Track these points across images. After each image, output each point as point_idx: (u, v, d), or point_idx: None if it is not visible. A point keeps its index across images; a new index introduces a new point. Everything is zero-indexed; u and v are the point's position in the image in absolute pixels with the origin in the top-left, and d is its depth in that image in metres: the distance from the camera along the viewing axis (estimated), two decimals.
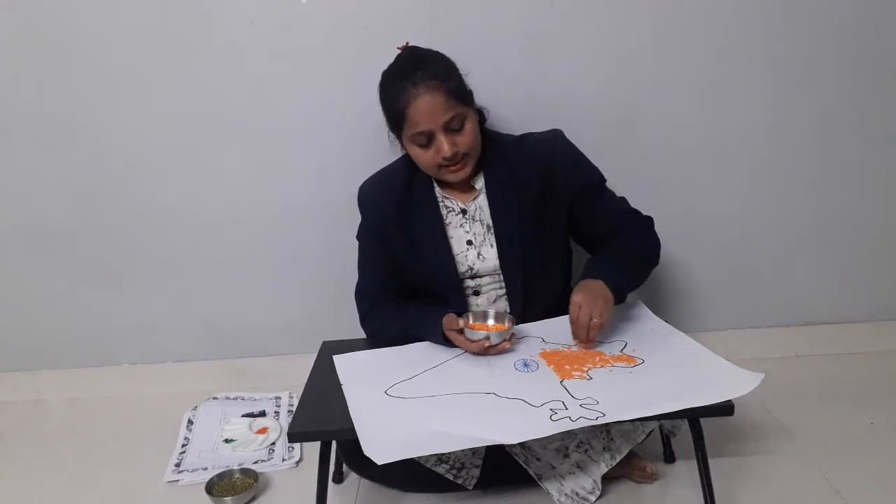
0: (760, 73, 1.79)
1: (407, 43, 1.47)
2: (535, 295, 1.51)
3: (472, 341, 1.36)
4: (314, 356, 1.48)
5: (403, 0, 1.71)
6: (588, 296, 1.36)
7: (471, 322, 1.43)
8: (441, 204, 1.52)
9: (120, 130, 1.82)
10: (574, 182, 1.49)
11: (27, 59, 1.76)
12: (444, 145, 1.38)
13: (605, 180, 1.55)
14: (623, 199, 1.57)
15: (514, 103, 1.74)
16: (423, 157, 1.42)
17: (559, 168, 1.48)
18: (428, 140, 1.39)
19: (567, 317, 1.48)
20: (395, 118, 1.41)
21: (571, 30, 1.74)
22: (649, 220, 1.57)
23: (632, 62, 1.77)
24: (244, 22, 1.73)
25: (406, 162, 1.52)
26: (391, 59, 1.46)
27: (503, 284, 1.52)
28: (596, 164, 1.54)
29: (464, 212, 1.51)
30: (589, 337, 1.36)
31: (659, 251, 1.57)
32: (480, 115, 1.49)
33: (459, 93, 1.40)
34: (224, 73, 1.77)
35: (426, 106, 1.36)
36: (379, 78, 1.46)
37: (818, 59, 1.79)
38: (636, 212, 1.57)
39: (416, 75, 1.37)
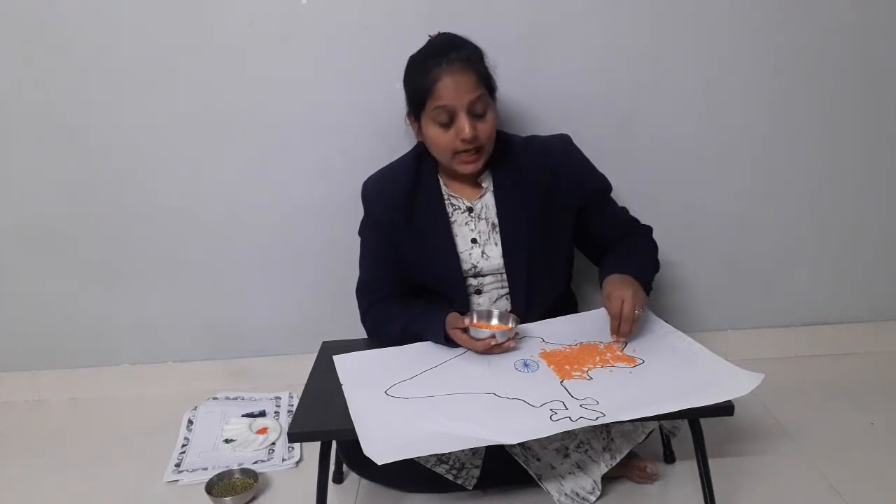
0: (761, 72, 1.79)
1: (439, 32, 1.49)
2: (537, 295, 1.51)
3: (478, 340, 1.36)
4: (314, 356, 1.47)
5: (403, 0, 1.71)
6: (628, 289, 1.36)
7: (475, 320, 1.43)
8: (447, 201, 1.52)
9: (120, 130, 1.82)
10: (584, 187, 1.51)
11: (27, 59, 1.76)
12: (466, 126, 1.37)
13: (611, 187, 1.57)
14: (624, 209, 1.60)
15: (514, 103, 1.75)
16: (442, 139, 1.41)
17: (569, 173, 1.49)
18: (449, 119, 1.39)
19: (568, 317, 1.52)
20: (420, 94, 1.40)
21: (572, 30, 1.74)
22: (649, 229, 1.60)
23: (632, 62, 1.77)
24: (244, 22, 1.73)
25: (414, 157, 1.52)
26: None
27: (505, 284, 1.52)
28: (596, 164, 1.55)
29: (470, 210, 1.51)
30: (631, 330, 1.36)
31: (657, 257, 1.59)
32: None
33: (487, 80, 1.42)
34: (224, 73, 1.77)
35: (455, 81, 1.37)
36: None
37: (819, 59, 1.79)
38: (637, 220, 1.60)
39: (450, 54, 1.38)
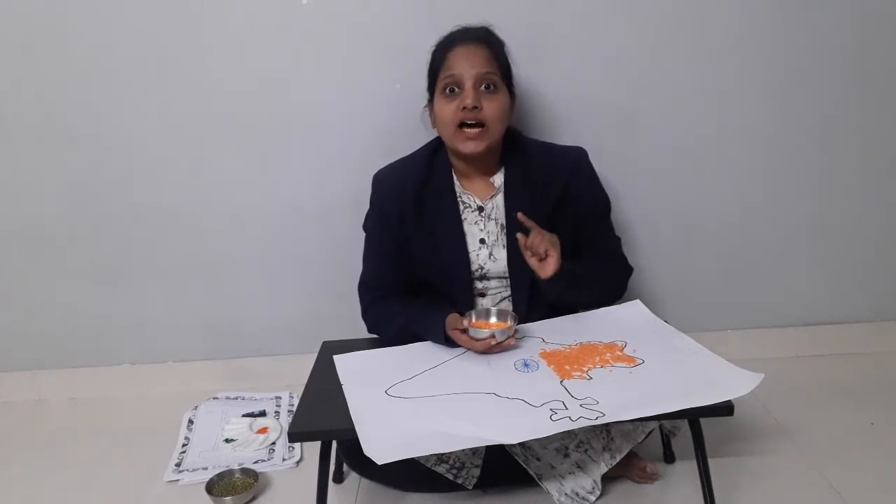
0: (760, 73, 1.79)
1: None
2: (539, 300, 1.51)
3: (478, 340, 1.36)
4: (314, 356, 1.47)
5: (403, 0, 1.71)
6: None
7: (474, 320, 1.43)
8: (459, 199, 1.51)
9: (120, 130, 1.82)
10: (585, 202, 1.51)
11: (28, 59, 1.76)
12: (470, 94, 1.38)
13: (610, 211, 1.57)
14: (618, 240, 1.59)
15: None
16: (446, 111, 1.41)
17: (577, 184, 1.49)
18: (456, 89, 1.40)
19: (568, 316, 1.52)
20: (435, 65, 1.45)
21: (572, 30, 1.74)
22: (628, 269, 1.59)
23: (632, 62, 1.77)
24: (244, 22, 1.73)
25: (427, 153, 1.53)
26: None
27: (510, 289, 1.52)
28: (596, 164, 1.55)
29: (480, 209, 1.51)
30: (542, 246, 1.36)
31: (616, 297, 1.57)
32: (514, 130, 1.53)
33: (503, 65, 1.45)
34: (224, 74, 1.77)
35: (467, 52, 1.42)
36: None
37: (818, 59, 1.79)
38: (623, 257, 1.59)
39: (469, 32, 1.47)
